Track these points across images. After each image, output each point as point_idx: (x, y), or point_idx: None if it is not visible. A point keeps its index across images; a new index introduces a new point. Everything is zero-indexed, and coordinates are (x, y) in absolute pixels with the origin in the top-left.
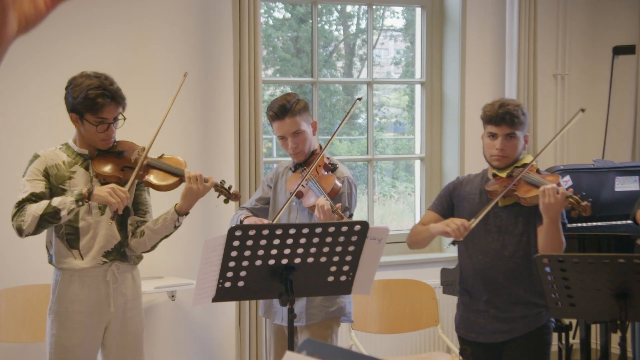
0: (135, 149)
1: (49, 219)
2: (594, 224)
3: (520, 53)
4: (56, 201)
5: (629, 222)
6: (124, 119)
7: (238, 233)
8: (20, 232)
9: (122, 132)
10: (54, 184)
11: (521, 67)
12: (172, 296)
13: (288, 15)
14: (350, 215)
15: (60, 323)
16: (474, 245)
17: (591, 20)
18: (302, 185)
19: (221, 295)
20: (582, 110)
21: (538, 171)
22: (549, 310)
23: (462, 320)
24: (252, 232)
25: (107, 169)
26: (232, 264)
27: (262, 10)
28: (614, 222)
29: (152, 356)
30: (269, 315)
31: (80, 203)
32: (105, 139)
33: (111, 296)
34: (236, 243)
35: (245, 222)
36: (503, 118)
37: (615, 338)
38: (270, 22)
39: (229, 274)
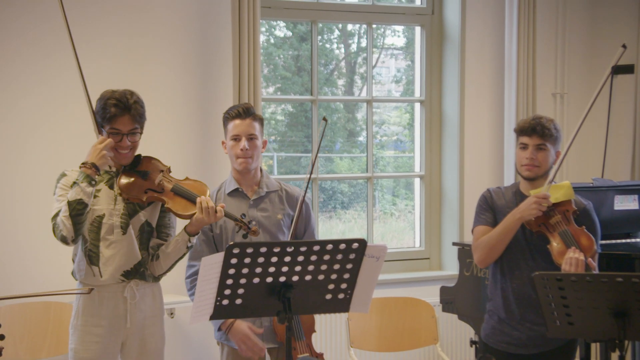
0: (160, 168)
1: (78, 212)
2: None
3: (519, 72)
4: (71, 195)
5: (629, 240)
6: (141, 133)
7: (236, 251)
8: (65, 241)
9: None
10: None
11: (520, 86)
12: (172, 314)
13: (289, 33)
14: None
15: (79, 337)
16: (510, 264)
17: (590, 40)
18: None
19: (219, 313)
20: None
21: (575, 214)
22: (548, 328)
23: (494, 330)
24: (250, 250)
25: (131, 190)
26: (229, 281)
27: (263, 29)
28: (613, 241)
29: None
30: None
31: (92, 182)
32: (120, 151)
33: (128, 312)
34: (234, 261)
35: None
36: (534, 129)
37: (615, 357)
38: (272, 40)
39: (227, 292)
